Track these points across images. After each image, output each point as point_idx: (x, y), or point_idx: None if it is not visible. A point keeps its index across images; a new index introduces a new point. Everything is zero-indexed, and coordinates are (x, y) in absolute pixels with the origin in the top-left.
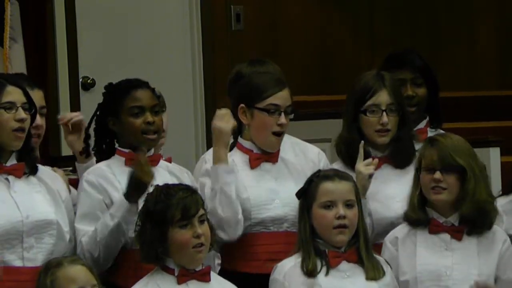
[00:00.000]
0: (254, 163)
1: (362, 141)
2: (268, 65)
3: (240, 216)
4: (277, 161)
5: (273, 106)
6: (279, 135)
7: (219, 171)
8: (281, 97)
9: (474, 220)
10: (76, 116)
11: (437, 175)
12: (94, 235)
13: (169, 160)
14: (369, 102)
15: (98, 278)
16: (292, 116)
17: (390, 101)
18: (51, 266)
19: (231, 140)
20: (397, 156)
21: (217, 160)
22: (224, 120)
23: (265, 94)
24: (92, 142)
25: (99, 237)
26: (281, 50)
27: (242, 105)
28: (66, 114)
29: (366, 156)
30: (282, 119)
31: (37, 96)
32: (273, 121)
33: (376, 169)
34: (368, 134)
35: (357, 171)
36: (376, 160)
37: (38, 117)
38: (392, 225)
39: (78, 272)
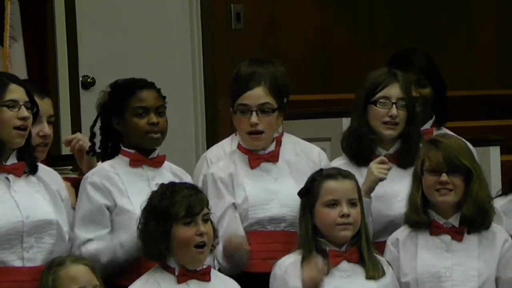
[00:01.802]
0: (254, 163)
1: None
2: (266, 64)
3: None
4: (277, 160)
5: (242, 106)
6: (254, 134)
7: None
8: (249, 96)
9: (474, 220)
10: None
11: (444, 177)
12: (97, 256)
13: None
14: (380, 94)
15: (101, 279)
16: (273, 114)
17: (401, 95)
18: (53, 265)
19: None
20: (403, 154)
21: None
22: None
23: (235, 95)
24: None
25: (103, 262)
26: (281, 49)
27: (231, 108)
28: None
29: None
30: (253, 118)
31: (47, 105)
32: (246, 121)
33: None
34: (376, 126)
35: (369, 170)
36: (390, 165)
37: (46, 125)
38: (392, 223)
39: (80, 271)
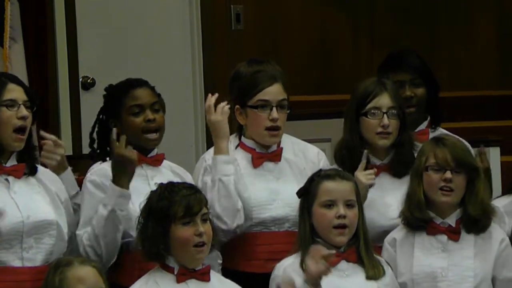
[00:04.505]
0: (256, 162)
1: (366, 151)
2: (266, 64)
3: (240, 206)
4: (280, 160)
5: (263, 101)
6: (273, 130)
7: (218, 162)
8: (270, 92)
9: (478, 221)
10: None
11: (448, 174)
12: (92, 230)
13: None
14: (370, 105)
15: (107, 281)
16: (288, 111)
17: (392, 104)
18: (61, 265)
19: (236, 142)
20: (397, 164)
21: (217, 151)
22: (217, 111)
23: (254, 91)
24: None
25: (97, 230)
26: (281, 49)
27: (237, 106)
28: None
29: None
30: (274, 113)
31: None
32: (264, 116)
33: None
34: (369, 138)
35: (357, 180)
36: (375, 169)
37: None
38: (386, 233)
39: (88, 273)
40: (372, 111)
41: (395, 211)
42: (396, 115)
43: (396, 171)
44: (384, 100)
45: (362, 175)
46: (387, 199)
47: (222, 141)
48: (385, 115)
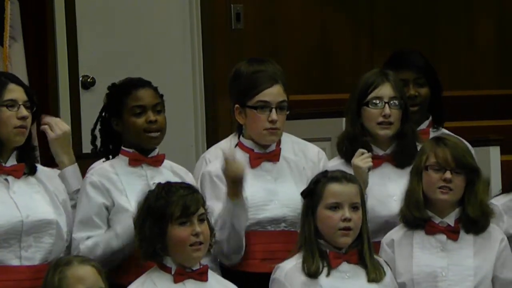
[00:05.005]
0: (254, 163)
1: (370, 153)
2: (267, 63)
3: (244, 245)
4: (278, 160)
5: (262, 102)
6: (272, 130)
7: (233, 206)
8: (271, 94)
9: (477, 221)
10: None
11: (448, 174)
12: (94, 248)
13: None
14: (372, 95)
15: (106, 280)
16: (287, 112)
17: (393, 95)
18: (60, 264)
19: (236, 141)
20: (399, 154)
21: (232, 196)
22: (234, 165)
23: (254, 91)
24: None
25: (99, 253)
26: (281, 49)
27: (236, 105)
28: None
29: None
30: (273, 115)
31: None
32: (264, 118)
33: (376, 167)
34: (370, 128)
35: (355, 166)
36: (370, 153)
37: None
38: (387, 223)
39: (87, 272)
40: (374, 100)
41: (397, 202)
42: (398, 105)
43: (398, 161)
44: (385, 90)
45: (358, 160)
46: (389, 189)
47: (237, 189)
48: (386, 105)
